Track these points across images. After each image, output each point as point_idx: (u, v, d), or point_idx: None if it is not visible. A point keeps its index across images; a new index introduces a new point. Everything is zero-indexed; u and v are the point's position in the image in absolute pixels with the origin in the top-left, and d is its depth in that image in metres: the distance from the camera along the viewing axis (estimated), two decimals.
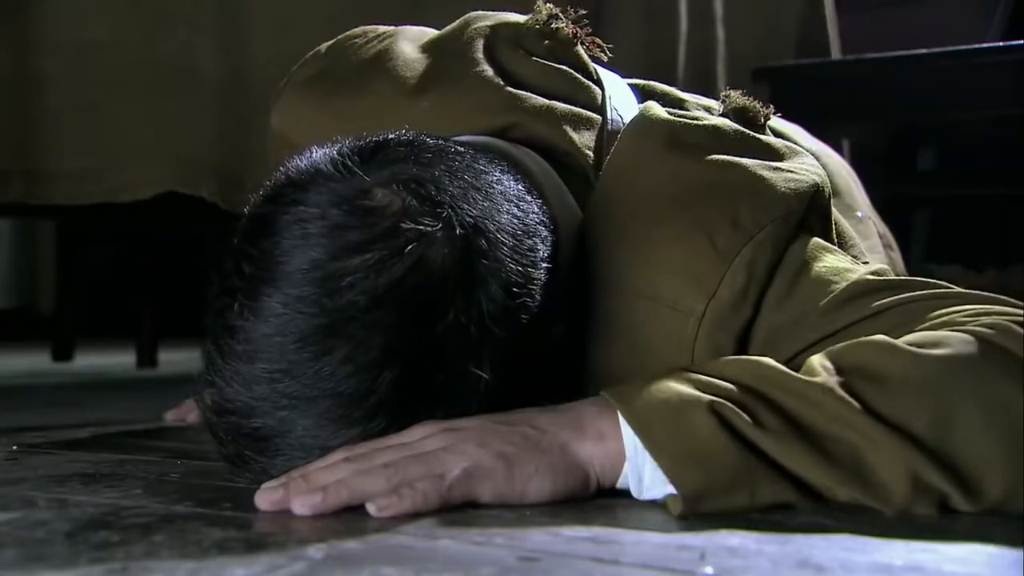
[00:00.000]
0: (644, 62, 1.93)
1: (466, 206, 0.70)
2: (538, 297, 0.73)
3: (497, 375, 0.70)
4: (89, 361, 2.47)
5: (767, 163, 0.85)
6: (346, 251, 0.66)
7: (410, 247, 0.67)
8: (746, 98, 0.96)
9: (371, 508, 0.65)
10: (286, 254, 0.66)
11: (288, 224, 0.67)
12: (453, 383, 0.69)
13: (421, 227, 0.67)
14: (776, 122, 1.12)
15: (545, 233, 0.76)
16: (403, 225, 0.67)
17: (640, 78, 1.07)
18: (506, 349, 0.70)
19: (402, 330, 0.66)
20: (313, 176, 0.70)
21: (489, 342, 0.69)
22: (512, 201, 0.74)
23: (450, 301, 0.67)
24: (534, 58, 0.96)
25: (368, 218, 0.67)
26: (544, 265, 0.74)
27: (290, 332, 0.65)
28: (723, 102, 0.96)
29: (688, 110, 0.96)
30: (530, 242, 0.73)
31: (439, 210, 0.69)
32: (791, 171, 0.85)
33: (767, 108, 0.96)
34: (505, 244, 0.71)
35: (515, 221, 0.73)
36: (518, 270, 0.71)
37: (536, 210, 0.76)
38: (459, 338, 0.68)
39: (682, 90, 1.06)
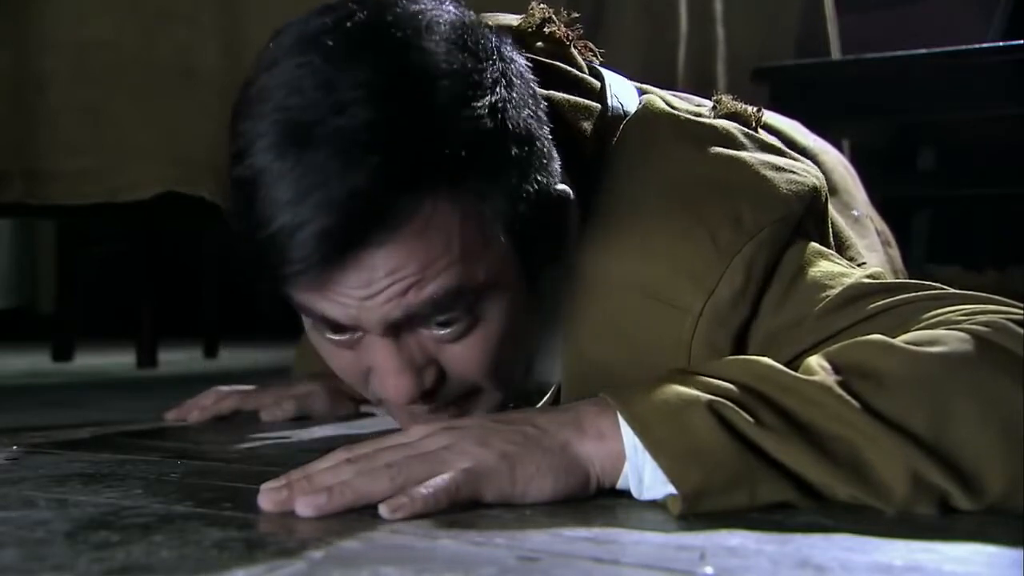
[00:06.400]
0: (644, 63, 1.94)
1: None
2: (546, 129, 0.80)
3: (521, 154, 0.75)
4: (89, 361, 2.47)
5: (770, 162, 0.86)
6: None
7: (461, 8, 0.78)
8: (738, 103, 0.96)
9: (383, 510, 0.64)
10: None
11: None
12: (492, 119, 0.73)
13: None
14: (774, 119, 1.12)
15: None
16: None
17: (639, 79, 1.07)
18: (528, 140, 0.76)
19: (452, 46, 0.73)
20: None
21: (516, 110, 0.75)
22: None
23: (494, 49, 0.76)
24: (528, 55, 0.96)
25: None
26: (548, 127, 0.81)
27: (341, 34, 0.71)
28: (715, 108, 0.96)
29: None
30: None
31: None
32: (793, 172, 0.85)
33: (759, 112, 0.96)
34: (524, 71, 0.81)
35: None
36: (535, 92, 0.81)
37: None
38: (498, 78, 0.75)
39: (675, 94, 1.06)
